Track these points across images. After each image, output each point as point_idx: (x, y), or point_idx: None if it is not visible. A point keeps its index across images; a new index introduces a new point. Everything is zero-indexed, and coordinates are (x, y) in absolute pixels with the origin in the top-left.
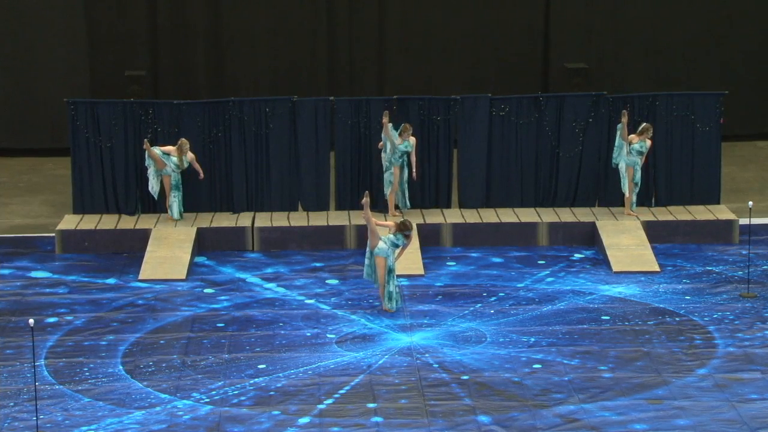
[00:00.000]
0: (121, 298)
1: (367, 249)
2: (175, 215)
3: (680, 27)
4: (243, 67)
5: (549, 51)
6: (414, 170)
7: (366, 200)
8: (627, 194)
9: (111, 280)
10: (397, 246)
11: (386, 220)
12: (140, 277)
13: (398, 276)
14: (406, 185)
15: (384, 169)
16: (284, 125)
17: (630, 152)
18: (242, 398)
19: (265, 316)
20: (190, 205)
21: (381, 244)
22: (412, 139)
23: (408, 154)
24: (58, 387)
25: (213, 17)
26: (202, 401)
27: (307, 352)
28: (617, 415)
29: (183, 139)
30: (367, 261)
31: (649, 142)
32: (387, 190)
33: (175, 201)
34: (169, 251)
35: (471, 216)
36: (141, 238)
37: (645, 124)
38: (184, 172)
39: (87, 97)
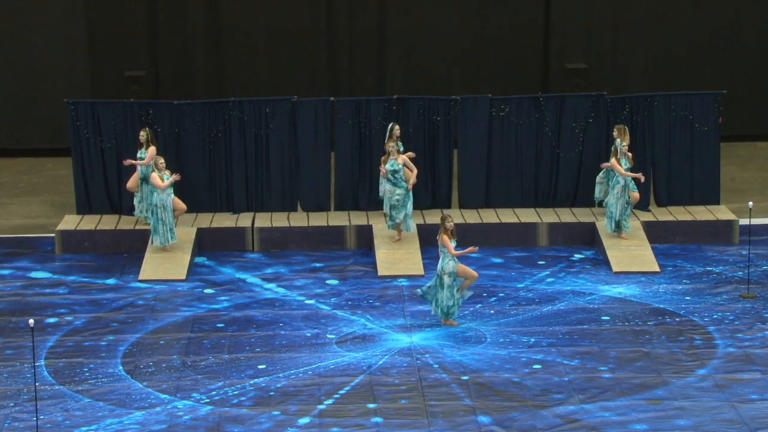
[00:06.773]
0: (121, 298)
1: (456, 282)
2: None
3: (680, 27)
4: (243, 67)
5: (549, 51)
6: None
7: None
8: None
9: (111, 281)
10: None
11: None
12: (140, 277)
13: (399, 276)
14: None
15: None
16: (284, 125)
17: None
18: (242, 398)
19: (265, 316)
20: (189, 206)
21: (452, 263)
22: (401, 158)
23: (396, 172)
24: (58, 387)
25: (213, 17)
26: (202, 401)
27: (307, 352)
28: (617, 415)
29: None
30: (454, 295)
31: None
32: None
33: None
34: (169, 251)
35: (471, 216)
36: (141, 238)
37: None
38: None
39: (87, 97)
